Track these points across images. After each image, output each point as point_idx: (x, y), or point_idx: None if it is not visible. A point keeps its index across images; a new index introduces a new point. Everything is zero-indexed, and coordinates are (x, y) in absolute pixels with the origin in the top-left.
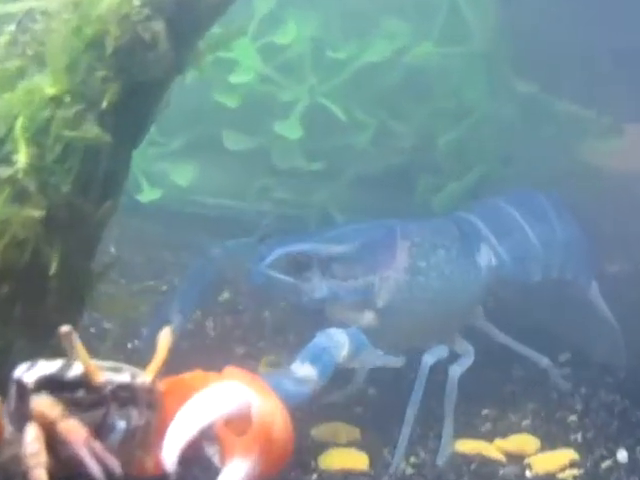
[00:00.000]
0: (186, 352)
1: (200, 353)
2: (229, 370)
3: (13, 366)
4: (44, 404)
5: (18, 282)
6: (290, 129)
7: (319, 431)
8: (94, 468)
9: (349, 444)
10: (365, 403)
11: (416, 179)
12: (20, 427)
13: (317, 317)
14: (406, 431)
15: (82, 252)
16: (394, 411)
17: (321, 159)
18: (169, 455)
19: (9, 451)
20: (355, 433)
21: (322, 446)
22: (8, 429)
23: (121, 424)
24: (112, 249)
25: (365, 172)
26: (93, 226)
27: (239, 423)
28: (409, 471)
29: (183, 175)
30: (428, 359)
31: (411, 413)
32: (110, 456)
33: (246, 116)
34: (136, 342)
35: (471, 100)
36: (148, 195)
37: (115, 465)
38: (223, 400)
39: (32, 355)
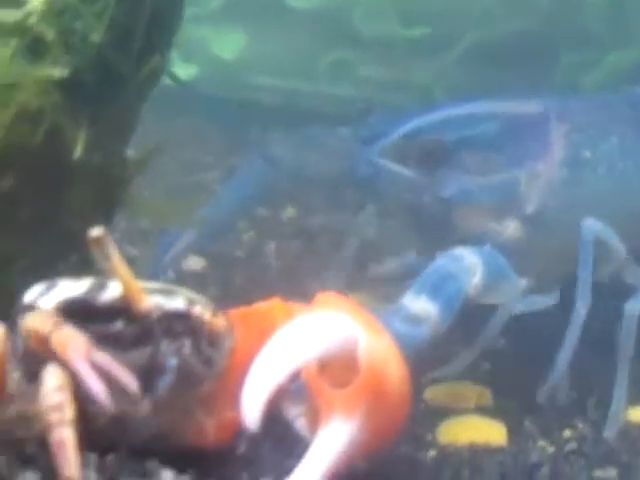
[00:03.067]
0: (239, 287)
1: (258, 288)
2: (324, 296)
3: (17, 291)
4: (33, 319)
5: (27, 171)
6: None
7: (435, 393)
8: (96, 387)
9: (476, 411)
10: (496, 356)
11: (558, 51)
12: (33, 375)
13: (439, 229)
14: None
15: (116, 132)
16: (536, 367)
17: (423, 23)
18: (251, 408)
19: (16, 408)
20: (484, 396)
21: (440, 413)
22: (13, 378)
23: (172, 365)
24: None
25: (485, 42)
26: (132, 95)
27: (340, 369)
28: (569, 447)
29: (228, 45)
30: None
31: (625, 365)
32: (124, 372)
33: None
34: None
35: None
36: (180, 73)
37: (132, 383)
38: (322, 334)
39: (42, 277)
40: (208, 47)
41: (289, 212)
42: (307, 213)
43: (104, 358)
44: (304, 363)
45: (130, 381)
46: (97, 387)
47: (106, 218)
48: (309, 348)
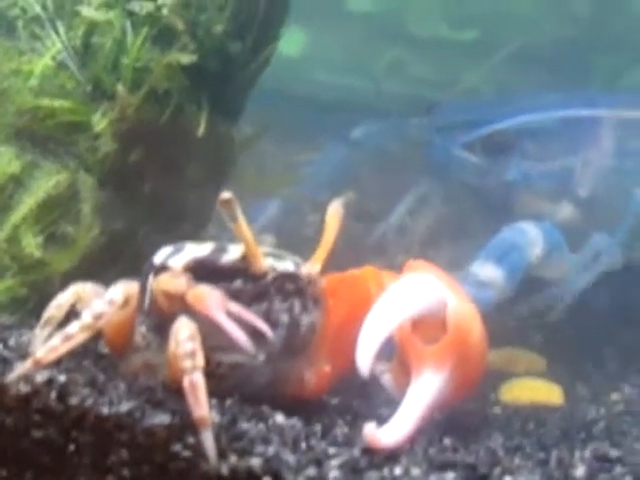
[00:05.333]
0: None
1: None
2: (413, 263)
3: (139, 255)
4: (167, 280)
5: (153, 147)
6: None
7: (495, 356)
8: (238, 334)
9: (529, 375)
10: (548, 328)
11: (595, 57)
12: (158, 328)
13: (502, 210)
14: None
15: (228, 113)
16: (585, 339)
17: (472, 27)
18: (364, 358)
19: (142, 357)
20: (538, 363)
21: (499, 375)
22: (140, 331)
23: (284, 321)
24: None
25: (529, 46)
26: (245, 80)
27: (430, 327)
28: (617, 408)
29: (291, 43)
30: None
31: None
32: (258, 319)
33: None
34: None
35: None
36: None
37: (265, 329)
38: (419, 295)
39: (160, 243)
40: None
41: (348, 196)
42: (366, 197)
43: (238, 309)
44: (405, 320)
45: (264, 326)
46: (237, 333)
47: (216, 191)
48: (409, 307)
